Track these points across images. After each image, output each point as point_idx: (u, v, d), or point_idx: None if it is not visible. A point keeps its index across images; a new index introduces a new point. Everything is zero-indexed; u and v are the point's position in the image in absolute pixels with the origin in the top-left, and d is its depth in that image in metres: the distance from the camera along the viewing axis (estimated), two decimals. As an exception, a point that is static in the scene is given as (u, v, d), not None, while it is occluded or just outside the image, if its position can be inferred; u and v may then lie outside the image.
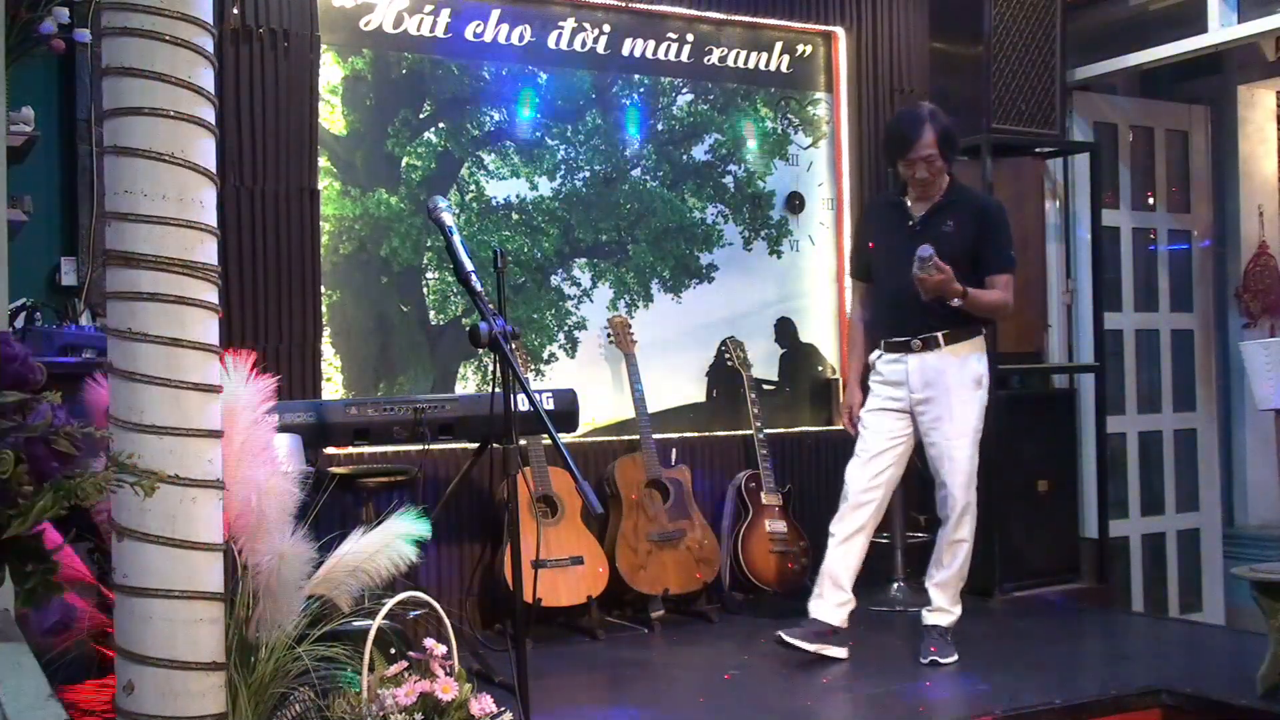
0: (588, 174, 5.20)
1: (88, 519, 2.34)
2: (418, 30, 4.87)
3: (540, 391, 4.37)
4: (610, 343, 5.13)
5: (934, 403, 4.09)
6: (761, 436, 5.16)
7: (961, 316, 4.07)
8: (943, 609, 4.16)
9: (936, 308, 4.03)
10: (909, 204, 4.20)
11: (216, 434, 2.23)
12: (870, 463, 4.12)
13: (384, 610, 2.45)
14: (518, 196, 5.06)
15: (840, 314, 5.63)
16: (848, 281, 5.08)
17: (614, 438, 5.13)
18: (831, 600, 4.11)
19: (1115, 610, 5.43)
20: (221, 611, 2.23)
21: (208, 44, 2.24)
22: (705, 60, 5.45)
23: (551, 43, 5.12)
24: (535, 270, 5.09)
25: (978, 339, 4.15)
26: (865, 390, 4.27)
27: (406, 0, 4.84)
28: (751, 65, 5.56)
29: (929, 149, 4.04)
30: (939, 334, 4.08)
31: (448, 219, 3.18)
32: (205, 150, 2.22)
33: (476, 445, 4.25)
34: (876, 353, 4.22)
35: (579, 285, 5.18)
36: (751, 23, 5.52)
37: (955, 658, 4.07)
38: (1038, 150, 5.64)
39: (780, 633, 4.08)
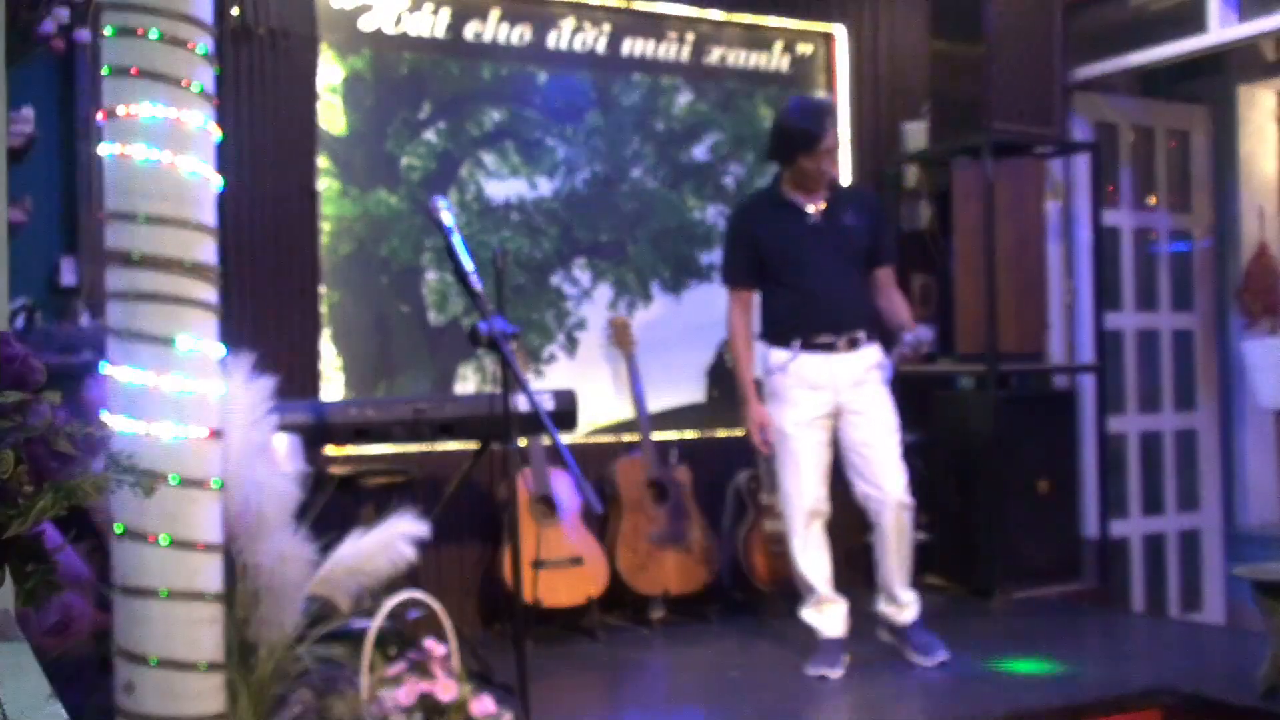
0: (588, 174, 5.20)
1: (88, 519, 2.34)
2: (418, 30, 4.87)
3: (540, 391, 4.37)
4: (610, 343, 5.13)
5: (863, 402, 4.02)
6: (761, 436, 5.15)
7: (875, 316, 4.11)
8: (910, 602, 4.08)
9: (858, 307, 4.05)
10: (798, 200, 4.08)
11: (217, 434, 2.23)
12: (815, 471, 4.03)
13: (384, 611, 2.45)
14: (518, 196, 5.06)
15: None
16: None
17: (614, 438, 5.13)
18: (836, 615, 4.09)
19: (1115, 610, 5.42)
20: (221, 611, 2.24)
21: (208, 44, 2.24)
22: (705, 60, 5.45)
23: (551, 43, 5.12)
24: (535, 270, 5.09)
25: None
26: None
27: (407, 0, 4.84)
28: (752, 65, 5.56)
29: (834, 141, 4.04)
30: (861, 333, 4.04)
31: (447, 219, 3.19)
32: (205, 150, 2.22)
33: (477, 445, 4.24)
34: (788, 354, 4.02)
35: (579, 285, 5.18)
36: (751, 22, 5.52)
37: (945, 652, 4.02)
38: (1038, 150, 5.63)
39: (808, 670, 3.98)
